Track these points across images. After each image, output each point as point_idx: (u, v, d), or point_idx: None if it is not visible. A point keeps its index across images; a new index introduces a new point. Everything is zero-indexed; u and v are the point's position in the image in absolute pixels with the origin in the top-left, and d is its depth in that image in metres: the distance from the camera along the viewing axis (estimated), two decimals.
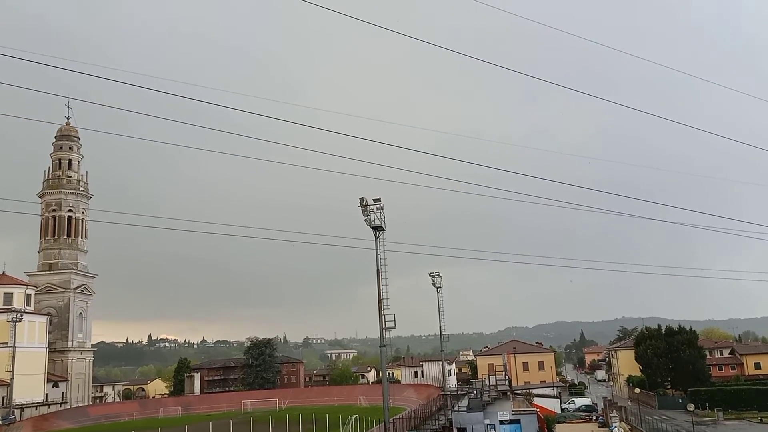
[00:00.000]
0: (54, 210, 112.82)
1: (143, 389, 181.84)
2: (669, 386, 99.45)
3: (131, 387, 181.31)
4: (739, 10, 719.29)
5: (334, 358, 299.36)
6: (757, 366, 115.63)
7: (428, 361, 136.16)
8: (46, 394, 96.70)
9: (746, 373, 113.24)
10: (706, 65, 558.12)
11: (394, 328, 36.41)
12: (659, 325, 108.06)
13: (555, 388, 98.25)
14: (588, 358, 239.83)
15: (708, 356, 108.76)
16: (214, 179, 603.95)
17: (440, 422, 51.46)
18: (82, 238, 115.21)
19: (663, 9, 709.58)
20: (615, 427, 64.78)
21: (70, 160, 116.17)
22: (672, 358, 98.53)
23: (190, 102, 24.86)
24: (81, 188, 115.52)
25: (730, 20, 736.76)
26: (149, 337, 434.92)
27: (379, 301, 36.21)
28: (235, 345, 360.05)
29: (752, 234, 49.48)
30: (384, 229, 37.03)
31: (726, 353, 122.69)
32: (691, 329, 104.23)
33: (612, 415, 70.67)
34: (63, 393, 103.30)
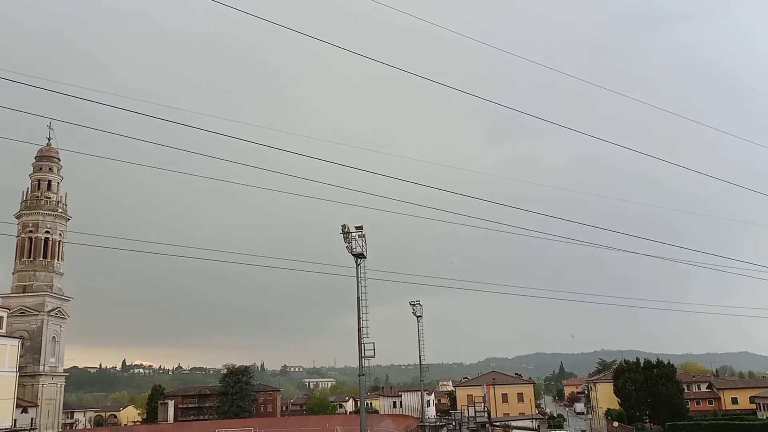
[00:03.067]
0: (31, 231, 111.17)
1: (115, 416, 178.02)
2: (647, 420, 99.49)
3: (103, 414, 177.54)
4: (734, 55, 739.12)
5: (311, 386, 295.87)
6: (734, 401, 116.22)
7: (407, 391, 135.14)
8: (15, 420, 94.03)
9: (723, 408, 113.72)
10: (707, 107, 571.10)
11: (374, 357, 36.11)
12: (638, 358, 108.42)
13: (534, 420, 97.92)
14: (567, 390, 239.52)
15: (686, 390, 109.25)
16: (193, 203, 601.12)
17: None
18: (58, 260, 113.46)
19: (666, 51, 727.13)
20: None
21: (49, 181, 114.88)
22: (650, 392, 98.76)
23: (166, 124, 24.77)
24: (59, 210, 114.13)
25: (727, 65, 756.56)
26: (123, 362, 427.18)
27: (359, 330, 35.94)
28: (211, 372, 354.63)
29: (732, 269, 50.02)
30: (365, 257, 36.95)
31: (703, 387, 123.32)
32: (669, 363, 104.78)
33: None
34: (32, 419, 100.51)
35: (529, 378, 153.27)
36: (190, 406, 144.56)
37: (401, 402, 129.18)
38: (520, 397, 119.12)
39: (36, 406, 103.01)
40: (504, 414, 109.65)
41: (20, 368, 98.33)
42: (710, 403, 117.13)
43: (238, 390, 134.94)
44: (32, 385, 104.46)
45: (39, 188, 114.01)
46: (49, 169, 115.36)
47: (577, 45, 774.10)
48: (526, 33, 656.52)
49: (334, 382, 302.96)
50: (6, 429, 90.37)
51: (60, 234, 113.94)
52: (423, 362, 69.99)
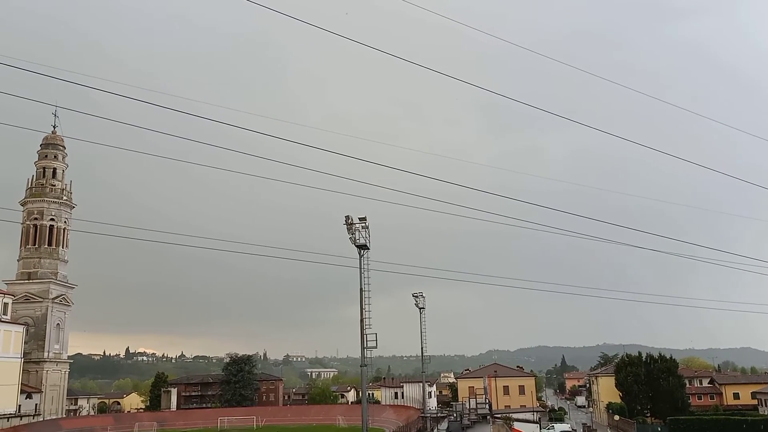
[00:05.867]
0: (36, 219, 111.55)
1: (119, 403, 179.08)
2: (648, 414, 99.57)
3: (106, 400, 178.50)
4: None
5: (314, 376, 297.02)
6: (736, 396, 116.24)
7: (409, 382, 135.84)
8: (19, 406, 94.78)
9: (725, 403, 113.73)
10: (714, 102, 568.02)
11: (376, 348, 36.14)
12: (640, 353, 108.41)
13: (535, 413, 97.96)
14: (568, 384, 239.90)
15: (687, 385, 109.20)
16: (197, 193, 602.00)
17: None
18: (63, 247, 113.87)
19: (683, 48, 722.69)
20: None
21: (54, 169, 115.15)
22: (652, 386, 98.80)
23: (172, 113, 24.77)
24: (64, 197, 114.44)
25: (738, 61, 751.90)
26: (127, 350, 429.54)
27: (362, 321, 35.98)
28: (214, 360, 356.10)
29: (740, 265, 49.81)
30: (368, 248, 36.94)
31: (705, 383, 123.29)
32: (671, 357, 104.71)
33: None
34: (36, 405, 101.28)
35: (531, 371, 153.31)
36: (193, 394, 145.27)
37: (403, 393, 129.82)
38: (522, 390, 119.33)
39: (40, 392, 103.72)
40: (505, 406, 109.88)
41: (25, 354, 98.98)
42: (712, 398, 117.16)
43: (240, 379, 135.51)
44: (36, 371, 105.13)
45: (44, 176, 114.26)
46: (54, 156, 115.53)
47: (585, 38, 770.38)
48: (533, 26, 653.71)
49: (336, 372, 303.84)
50: (11, 414, 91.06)
51: (65, 221, 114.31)
52: (425, 354, 70.03)
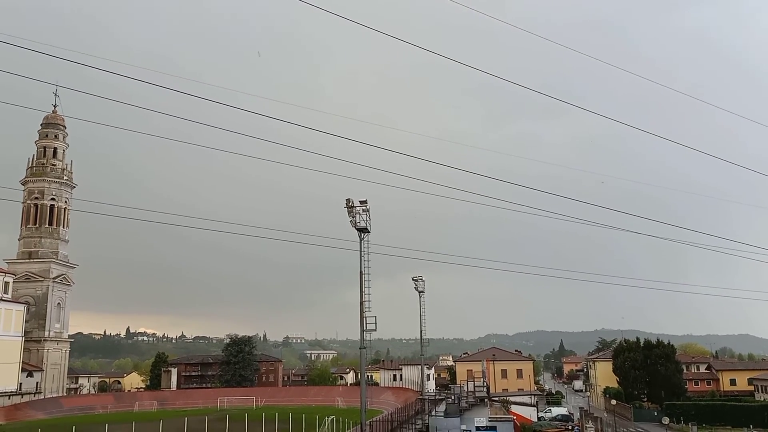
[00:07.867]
0: (36, 198, 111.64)
1: (119, 382, 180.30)
2: (645, 399, 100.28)
3: (107, 379, 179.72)
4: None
5: (313, 358, 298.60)
6: (733, 382, 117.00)
7: (407, 364, 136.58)
8: (20, 384, 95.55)
9: (722, 389, 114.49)
10: (718, 90, 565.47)
11: (375, 330, 36.20)
12: (638, 338, 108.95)
13: (532, 397, 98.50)
14: (566, 368, 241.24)
15: (685, 371, 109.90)
16: (202, 175, 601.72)
17: (417, 426, 51.35)
18: (63, 227, 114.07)
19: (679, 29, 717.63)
20: None
21: (55, 149, 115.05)
22: (649, 371, 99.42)
23: (173, 93, 24.64)
24: (65, 177, 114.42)
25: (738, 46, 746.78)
26: (127, 330, 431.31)
27: (361, 303, 36.04)
28: (214, 341, 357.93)
29: (738, 252, 49.83)
30: (369, 231, 36.92)
31: (702, 368, 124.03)
32: (669, 343, 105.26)
33: (588, 425, 71.29)
34: (37, 383, 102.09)
35: (529, 355, 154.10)
36: (193, 374, 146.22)
37: (401, 375, 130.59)
38: (520, 374, 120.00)
39: (41, 370, 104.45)
40: (503, 390, 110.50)
41: (26, 333, 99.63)
42: (709, 384, 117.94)
43: (240, 359, 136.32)
44: (37, 350, 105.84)
45: (44, 155, 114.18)
46: (55, 136, 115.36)
47: (589, 25, 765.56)
48: (536, 18, 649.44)
49: (335, 354, 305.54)
50: (12, 392, 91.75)
51: (65, 201, 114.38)
52: (424, 337, 70.25)
